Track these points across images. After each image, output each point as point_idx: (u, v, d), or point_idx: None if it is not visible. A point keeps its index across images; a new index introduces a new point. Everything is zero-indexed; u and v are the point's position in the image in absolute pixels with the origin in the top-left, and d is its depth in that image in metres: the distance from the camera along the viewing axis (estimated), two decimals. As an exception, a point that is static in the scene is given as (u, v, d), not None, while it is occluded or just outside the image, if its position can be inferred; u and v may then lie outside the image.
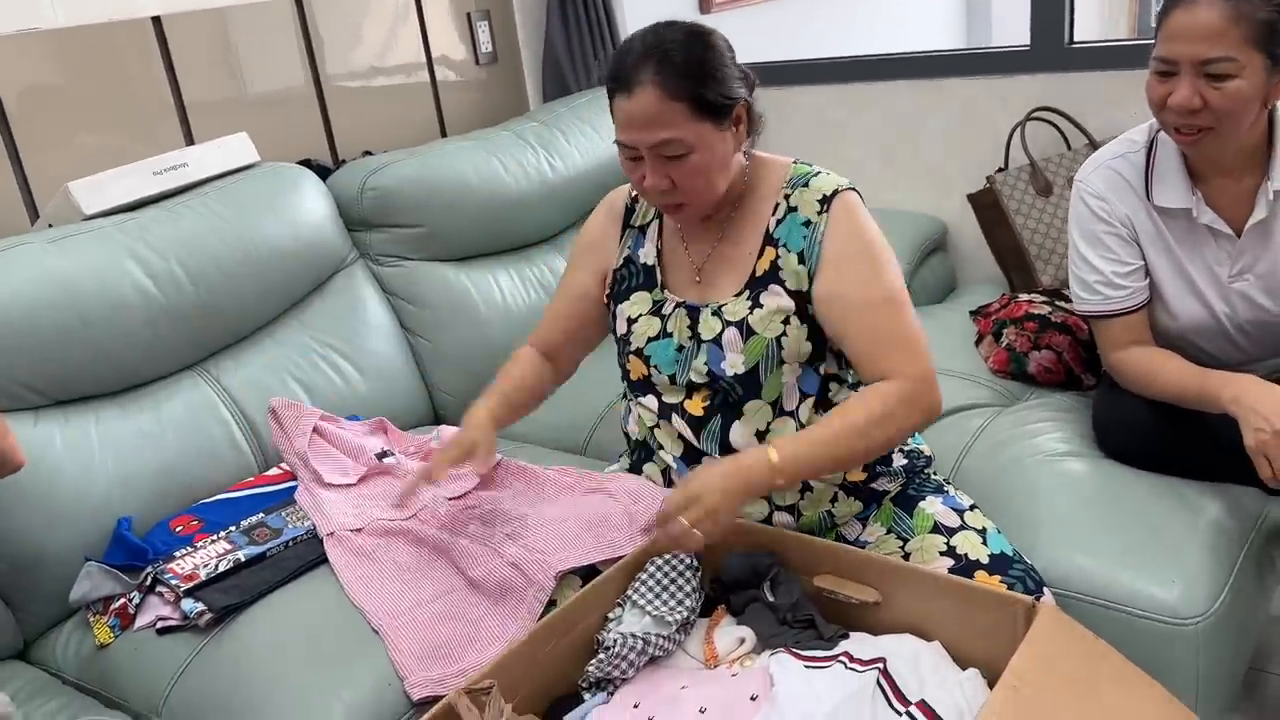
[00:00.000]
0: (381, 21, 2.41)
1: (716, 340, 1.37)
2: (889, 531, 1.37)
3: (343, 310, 1.96)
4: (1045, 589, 1.29)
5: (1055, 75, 2.30)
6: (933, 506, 1.37)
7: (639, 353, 1.42)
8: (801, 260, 1.34)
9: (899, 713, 1.04)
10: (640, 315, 1.43)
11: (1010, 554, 1.32)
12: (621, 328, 1.46)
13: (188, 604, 1.38)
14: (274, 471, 1.70)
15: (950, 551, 1.31)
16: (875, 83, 2.57)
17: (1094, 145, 2.19)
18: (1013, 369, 1.91)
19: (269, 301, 1.86)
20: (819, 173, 1.38)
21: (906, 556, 1.33)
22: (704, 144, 1.27)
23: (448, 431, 1.86)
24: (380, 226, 2.06)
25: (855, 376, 1.41)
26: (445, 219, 2.11)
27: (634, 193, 1.48)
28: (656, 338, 1.41)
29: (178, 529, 1.54)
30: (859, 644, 1.17)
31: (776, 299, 1.35)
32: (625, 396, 1.53)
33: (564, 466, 1.63)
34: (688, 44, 1.26)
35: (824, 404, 1.40)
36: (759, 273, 1.37)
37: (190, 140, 2.06)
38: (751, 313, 1.35)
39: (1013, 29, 2.38)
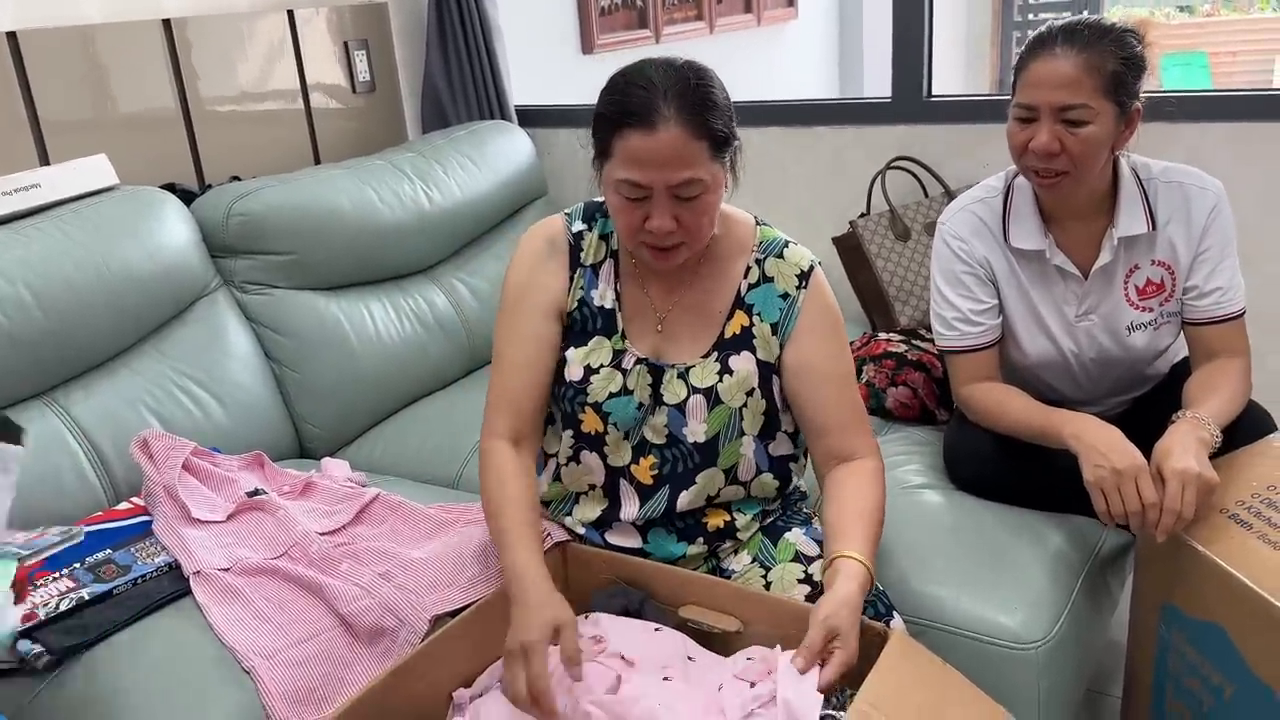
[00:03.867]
0: (256, 46, 2.36)
1: (679, 406, 1.35)
2: (754, 560, 1.41)
3: (203, 339, 1.89)
4: (895, 614, 1.34)
5: (914, 126, 2.42)
6: (796, 537, 1.42)
7: (597, 407, 1.35)
8: (775, 331, 1.36)
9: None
10: (601, 366, 1.36)
11: (864, 581, 1.37)
12: (576, 374, 1.36)
13: (24, 645, 1.30)
14: (124, 506, 1.62)
15: (808, 579, 1.35)
16: (746, 128, 2.63)
17: (949, 193, 2.31)
18: (872, 404, 1.99)
19: (124, 329, 1.78)
20: (788, 242, 1.40)
21: (768, 584, 1.36)
22: (716, 184, 1.26)
23: (329, 465, 1.82)
24: (246, 253, 2.00)
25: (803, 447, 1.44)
26: (316, 246, 2.06)
27: (573, 229, 1.40)
28: (618, 394, 1.35)
29: (17, 566, 1.46)
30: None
31: (746, 365, 1.35)
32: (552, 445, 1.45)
33: (443, 504, 1.61)
34: (704, 82, 1.23)
35: (783, 478, 1.43)
36: (729, 335, 1.37)
37: (46, 161, 1.97)
38: (721, 379, 1.35)
39: (881, 81, 2.49)
